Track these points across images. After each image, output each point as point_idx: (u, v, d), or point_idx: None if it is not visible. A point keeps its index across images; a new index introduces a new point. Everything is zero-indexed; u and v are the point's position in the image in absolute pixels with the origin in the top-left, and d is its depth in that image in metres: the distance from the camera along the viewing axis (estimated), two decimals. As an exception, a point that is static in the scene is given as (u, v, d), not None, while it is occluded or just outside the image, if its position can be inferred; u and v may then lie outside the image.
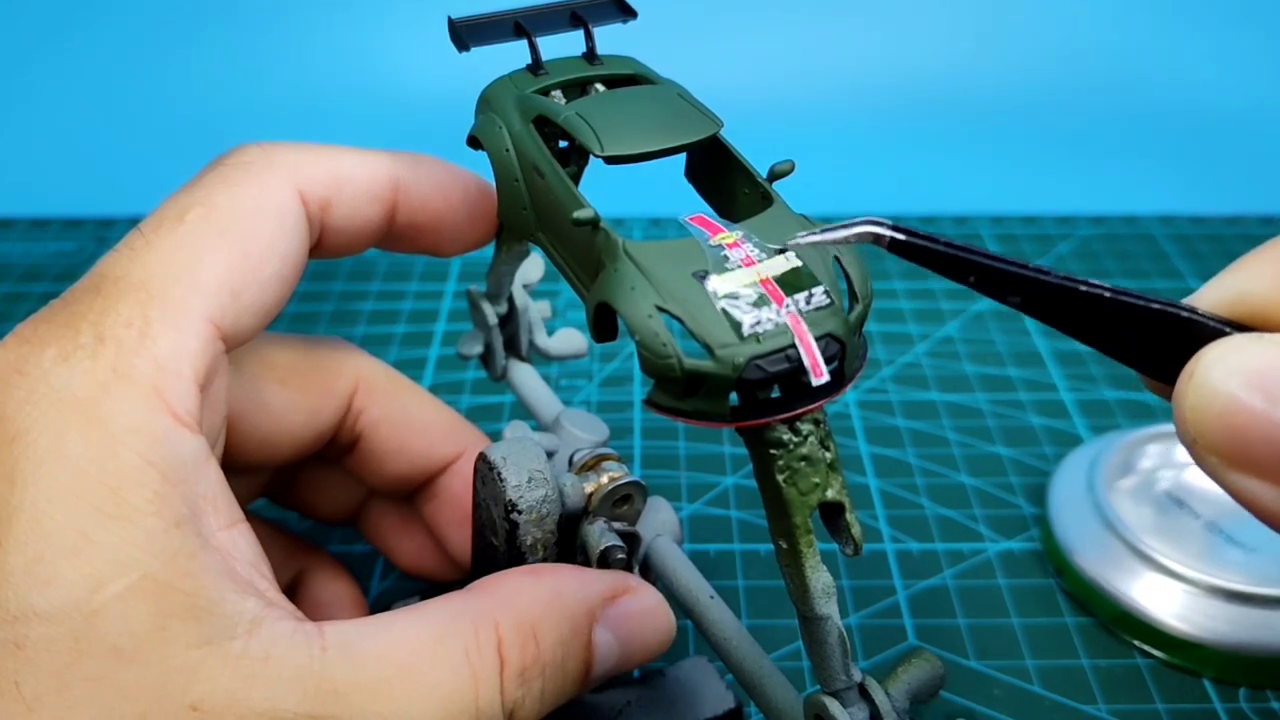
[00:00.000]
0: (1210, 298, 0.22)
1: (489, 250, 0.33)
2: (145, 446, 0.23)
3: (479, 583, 0.26)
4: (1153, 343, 0.21)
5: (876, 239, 0.21)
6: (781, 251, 0.23)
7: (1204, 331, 0.21)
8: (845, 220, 0.22)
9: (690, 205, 0.26)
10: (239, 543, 0.24)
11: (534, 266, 0.36)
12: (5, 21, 0.71)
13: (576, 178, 0.29)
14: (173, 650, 0.21)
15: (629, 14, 0.29)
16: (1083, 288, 0.21)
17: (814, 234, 0.22)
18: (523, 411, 0.37)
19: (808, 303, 0.22)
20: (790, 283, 0.22)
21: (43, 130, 0.71)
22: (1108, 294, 0.21)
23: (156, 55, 0.72)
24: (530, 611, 0.25)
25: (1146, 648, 0.38)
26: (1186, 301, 0.22)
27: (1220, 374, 0.20)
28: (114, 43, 0.72)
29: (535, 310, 0.37)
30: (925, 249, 0.21)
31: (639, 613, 0.28)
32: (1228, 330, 0.21)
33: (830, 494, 0.23)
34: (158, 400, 0.24)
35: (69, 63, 0.72)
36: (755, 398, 0.22)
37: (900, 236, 0.21)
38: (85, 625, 0.21)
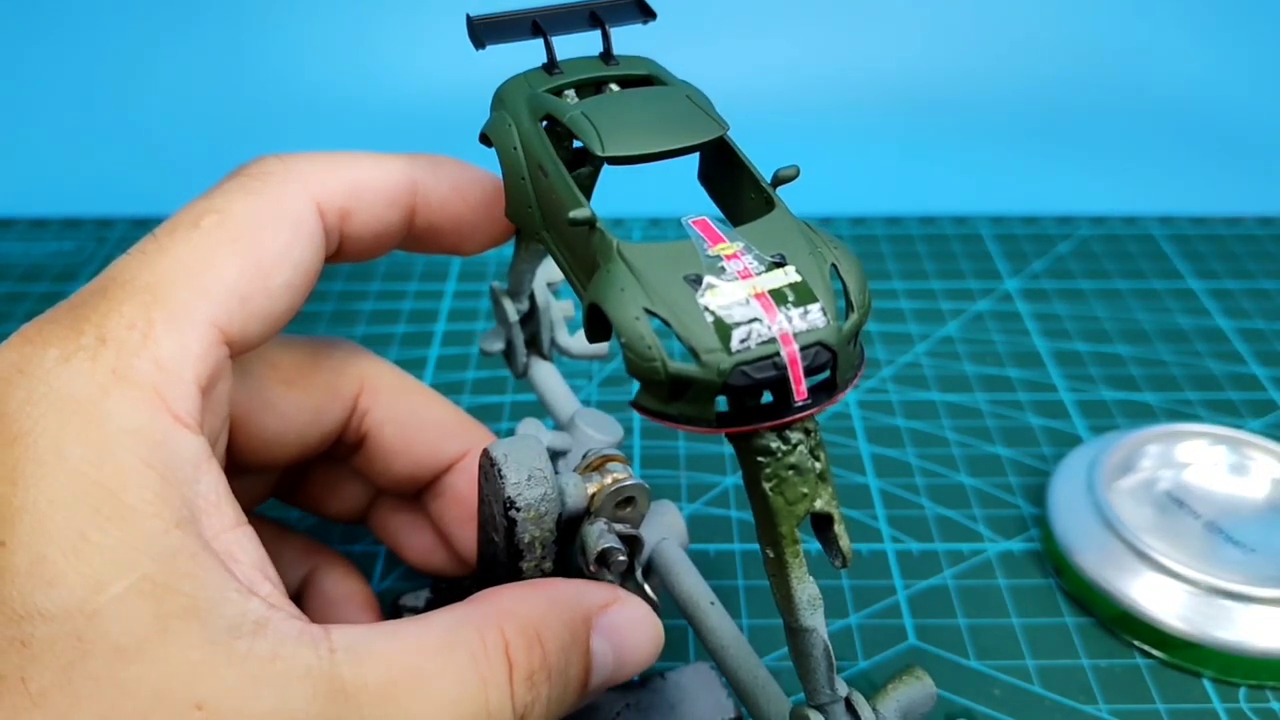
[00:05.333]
0: None
1: (490, 250, 0.33)
2: (144, 448, 0.23)
3: (477, 595, 0.26)
4: None
5: None
6: (780, 265, 0.23)
7: None
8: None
9: (690, 206, 0.26)
10: (243, 543, 0.24)
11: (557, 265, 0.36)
12: (5, 22, 0.71)
13: (592, 178, 0.29)
14: (176, 650, 0.21)
15: (649, 15, 0.29)
16: None
17: None
18: (523, 412, 0.37)
19: (803, 319, 0.22)
20: (786, 298, 0.22)
21: (43, 130, 0.71)
22: None
23: (157, 55, 0.72)
24: (532, 617, 0.25)
25: (1146, 648, 0.38)
26: None
27: None
28: (115, 43, 0.72)
29: (558, 309, 0.37)
30: None
31: (631, 621, 0.28)
32: None
33: (819, 504, 0.23)
34: (158, 402, 0.24)
35: (69, 63, 0.72)
36: (744, 404, 0.22)
37: None
38: (87, 625, 0.21)
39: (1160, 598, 0.37)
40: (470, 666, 0.24)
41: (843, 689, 0.25)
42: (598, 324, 0.23)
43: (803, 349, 0.22)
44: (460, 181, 0.31)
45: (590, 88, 0.28)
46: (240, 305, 0.26)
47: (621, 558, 0.29)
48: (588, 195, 0.28)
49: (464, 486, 0.34)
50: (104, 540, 0.22)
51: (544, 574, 0.30)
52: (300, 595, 0.36)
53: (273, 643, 0.22)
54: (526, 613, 0.25)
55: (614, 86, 0.28)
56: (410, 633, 0.24)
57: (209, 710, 0.21)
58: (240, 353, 0.27)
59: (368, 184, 0.29)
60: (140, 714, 0.21)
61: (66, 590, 0.21)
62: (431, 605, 0.37)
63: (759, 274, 0.22)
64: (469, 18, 0.28)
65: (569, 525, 0.30)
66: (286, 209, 0.28)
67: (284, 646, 0.22)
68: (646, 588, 0.31)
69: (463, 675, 0.24)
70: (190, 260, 0.26)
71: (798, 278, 0.22)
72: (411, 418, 0.34)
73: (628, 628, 0.28)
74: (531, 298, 0.36)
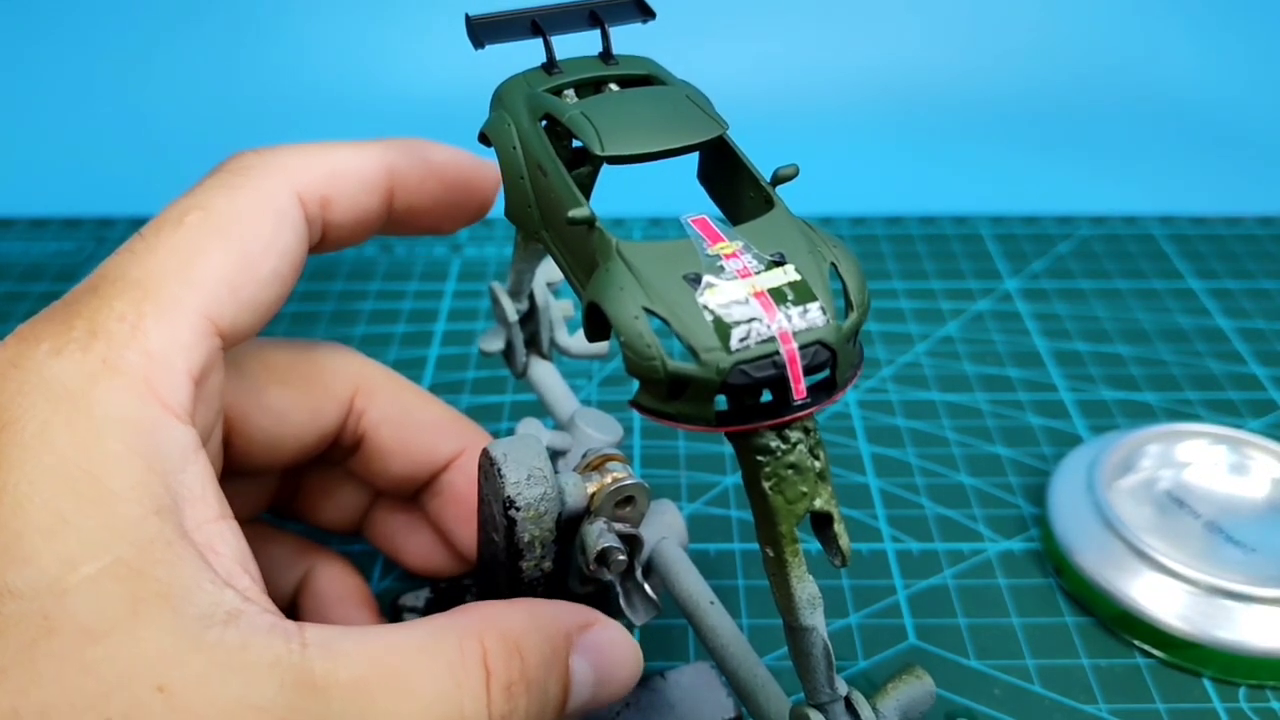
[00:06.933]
0: None
1: (490, 250, 0.33)
2: (131, 436, 0.23)
3: (460, 608, 0.26)
4: None
5: None
6: (780, 264, 0.23)
7: None
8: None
9: (690, 206, 0.26)
10: (225, 536, 0.24)
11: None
12: (5, 22, 0.71)
13: (591, 178, 0.29)
14: (144, 634, 0.21)
15: (648, 14, 0.29)
16: None
17: None
18: (523, 412, 0.37)
19: (802, 318, 0.22)
20: (785, 297, 0.22)
21: (43, 130, 0.71)
22: None
23: (157, 55, 0.72)
24: (513, 629, 0.25)
25: (1146, 648, 0.38)
26: None
27: None
28: (115, 42, 0.72)
29: (557, 308, 0.37)
30: None
31: (611, 642, 0.27)
32: None
33: (818, 503, 0.23)
34: (147, 391, 0.24)
35: (69, 63, 0.72)
36: (743, 403, 0.22)
37: None
38: (56, 604, 0.21)
39: (1160, 598, 0.37)
40: (446, 670, 0.24)
41: (842, 688, 0.25)
42: (597, 323, 0.23)
43: (802, 348, 0.22)
44: (434, 161, 0.31)
45: (590, 87, 0.28)
46: (230, 295, 0.27)
47: (621, 557, 0.29)
48: (587, 195, 0.28)
49: (462, 485, 0.35)
50: (81, 522, 0.22)
51: (544, 574, 0.30)
52: (297, 594, 0.36)
53: (243, 633, 0.22)
54: (507, 624, 0.25)
55: (613, 86, 0.28)
56: (386, 634, 0.24)
57: (171, 693, 0.21)
58: (232, 344, 0.27)
59: (345, 171, 0.30)
60: (101, 694, 0.21)
61: (38, 569, 0.21)
62: (431, 605, 0.37)
63: (758, 273, 0.22)
64: (468, 17, 0.28)
65: (569, 525, 0.30)
66: (268, 200, 0.28)
67: (255, 637, 0.22)
68: (646, 587, 0.31)
69: (438, 678, 0.23)
70: (177, 255, 0.26)
71: (797, 276, 0.22)
72: (407, 417, 0.34)
73: (608, 649, 0.27)
74: (531, 297, 0.36)
